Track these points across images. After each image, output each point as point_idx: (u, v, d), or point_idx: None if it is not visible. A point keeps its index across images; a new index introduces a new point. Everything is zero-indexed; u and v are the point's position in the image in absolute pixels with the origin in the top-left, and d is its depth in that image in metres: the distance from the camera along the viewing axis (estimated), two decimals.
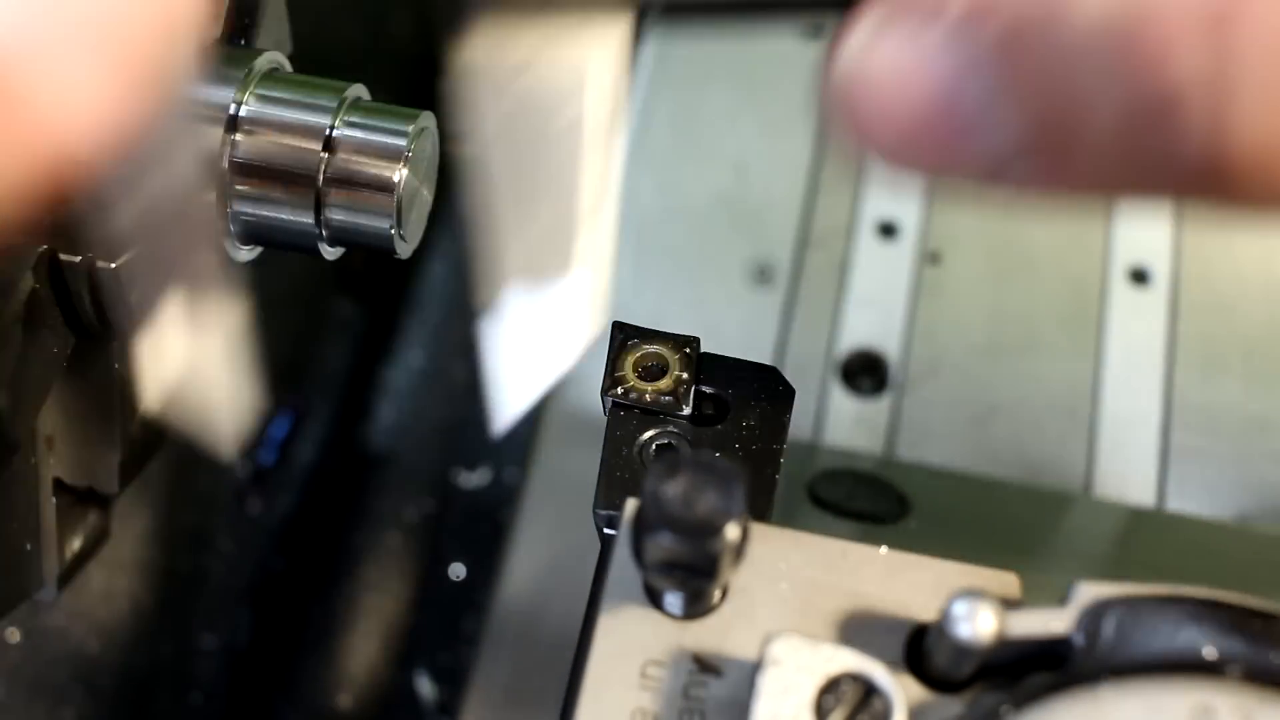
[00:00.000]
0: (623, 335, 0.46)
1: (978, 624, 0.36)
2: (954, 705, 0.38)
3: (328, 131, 0.46)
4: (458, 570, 0.72)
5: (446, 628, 0.72)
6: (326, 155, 0.46)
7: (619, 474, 0.44)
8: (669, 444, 0.45)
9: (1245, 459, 0.69)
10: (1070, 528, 0.69)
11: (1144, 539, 0.67)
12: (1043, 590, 0.41)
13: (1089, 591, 0.38)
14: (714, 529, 0.36)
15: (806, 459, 0.67)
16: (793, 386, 0.46)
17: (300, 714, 0.71)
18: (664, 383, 0.45)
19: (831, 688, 0.36)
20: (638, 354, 0.46)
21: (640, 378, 0.45)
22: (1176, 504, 0.68)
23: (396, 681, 0.72)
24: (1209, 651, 0.36)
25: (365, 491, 0.76)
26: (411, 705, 0.71)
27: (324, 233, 0.47)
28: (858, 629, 0.39)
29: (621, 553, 0.40)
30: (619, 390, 0.45)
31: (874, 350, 0.72)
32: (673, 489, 0.36)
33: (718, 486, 0.36)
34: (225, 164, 0.46)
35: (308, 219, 0.46)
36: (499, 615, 0.67)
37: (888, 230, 0.75)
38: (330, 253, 0.48)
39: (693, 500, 0.36)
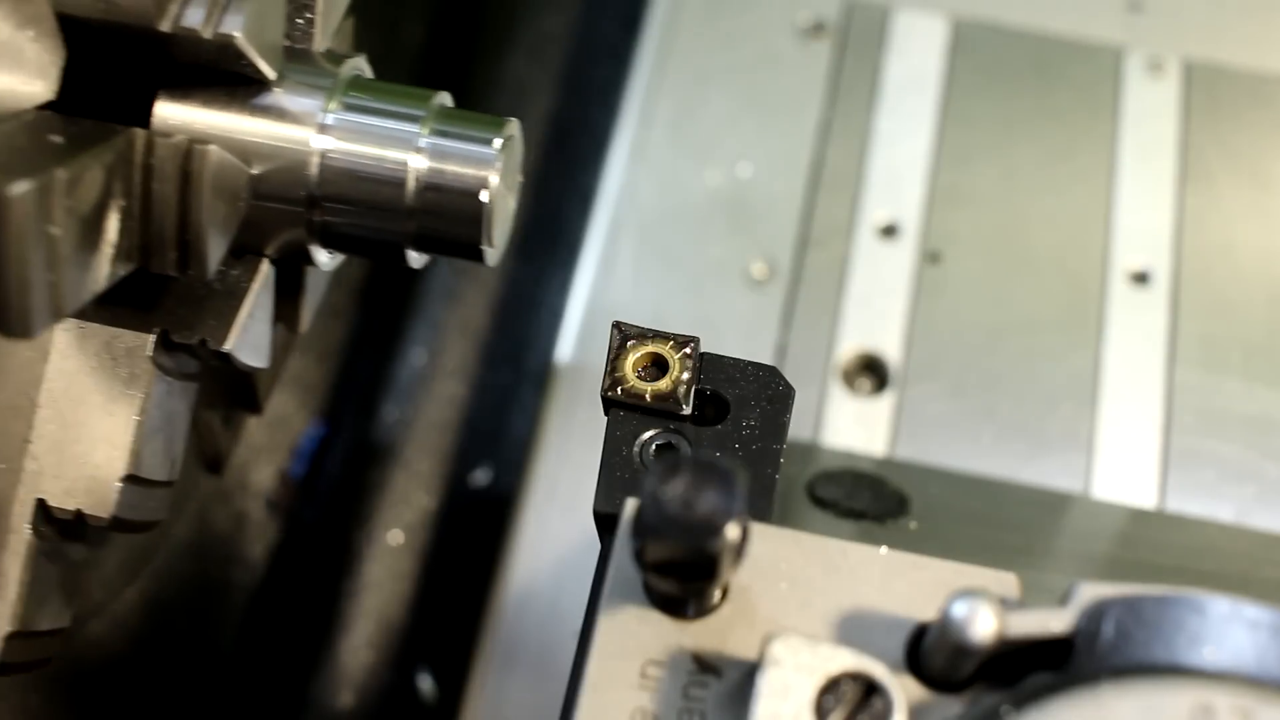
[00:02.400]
0: (623, 335, 0.46)
1: (978, 624, 0.36)
2: (954, 705, 0.38)
3: (418, 140, 0.45)
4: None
5: (446, 628, 0.72)
6: (417, 163, 0.45)
7: (619, 474, 0.44)
8: (669, 444, 0.45)
9: (1245, 459, 0.69)
10: (1070, 528, 0.69)
11: (1144, 539, 0.67)
12: (1043, 590, 0.41)
13: (1089, 591, 0.38)
14: (714, 529, 0.36)
15: (806, 459, 0.67)
16: (792, 386, 0.46)
17: (300, 714, 0.71)
18: (664, 383, 0.45)
19: (831, 688, 0.36)
20: (638, 354, 0.45)
21: (640, 378, 0.45)
22: (1176, 504, 0.68)
23: (396, 681, 0.72)
24: (1209, 651, 0.36)
25: (366, 491, 0.75)
26: (411, 705, 0.71)
27: (413, 241, 0.46)
28: (858, 629, 0.39)
29: (621, 553, 0.40)
30: (619, 390, 0.45)
31: (874, 350, 0.72)
32: (673, 489, 0.36)
33: (718, 486, 0.36)
34: (315, 172, 0.45)
35: (397, 227, 0.46)
36: (499, 615, 0.67)
37: (888, 230, 0.75)
38: (416, 260, 0.47)
39: (693, 500, 0.36)
